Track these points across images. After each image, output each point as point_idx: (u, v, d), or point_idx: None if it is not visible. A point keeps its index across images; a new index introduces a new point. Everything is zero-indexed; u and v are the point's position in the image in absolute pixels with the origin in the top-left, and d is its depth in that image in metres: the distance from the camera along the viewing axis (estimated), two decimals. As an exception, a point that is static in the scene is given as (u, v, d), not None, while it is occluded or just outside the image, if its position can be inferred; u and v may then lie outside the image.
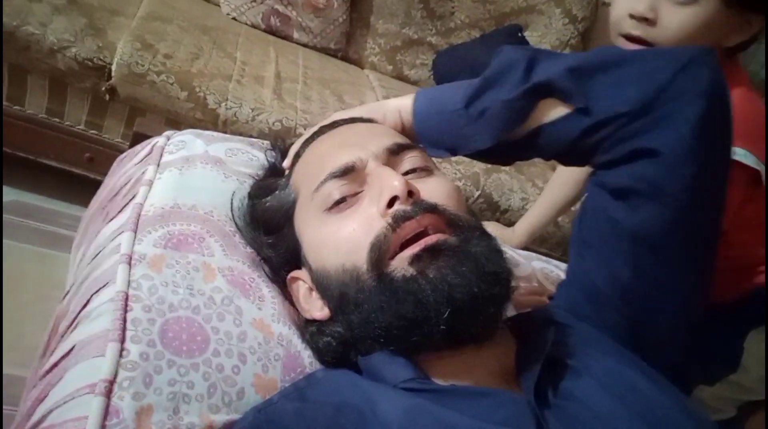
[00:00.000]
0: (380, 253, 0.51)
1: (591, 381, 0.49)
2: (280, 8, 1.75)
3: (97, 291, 0.57)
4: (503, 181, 1.59)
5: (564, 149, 0.58)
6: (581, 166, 0.63)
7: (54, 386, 0.50)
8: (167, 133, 0.80)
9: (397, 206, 0.52)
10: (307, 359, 0.59)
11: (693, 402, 0.51)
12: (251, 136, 1.01)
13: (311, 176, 0.59)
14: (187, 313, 0.55)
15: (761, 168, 0.76)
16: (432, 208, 0.53)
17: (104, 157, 1.32)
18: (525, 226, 1.25)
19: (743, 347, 0.86)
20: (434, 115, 0.63)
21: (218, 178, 0.72)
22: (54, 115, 1.37)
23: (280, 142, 0.73)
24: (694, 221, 0.54)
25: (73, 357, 0.51)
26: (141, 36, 1.36)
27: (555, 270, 0.89)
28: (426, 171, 0.59)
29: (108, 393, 0.47)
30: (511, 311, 0.67)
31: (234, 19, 1.75)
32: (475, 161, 0.75)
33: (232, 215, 0.67)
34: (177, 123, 1.36)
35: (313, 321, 0.59)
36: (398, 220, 0.52)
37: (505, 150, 0.61)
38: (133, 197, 0.67)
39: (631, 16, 0.77)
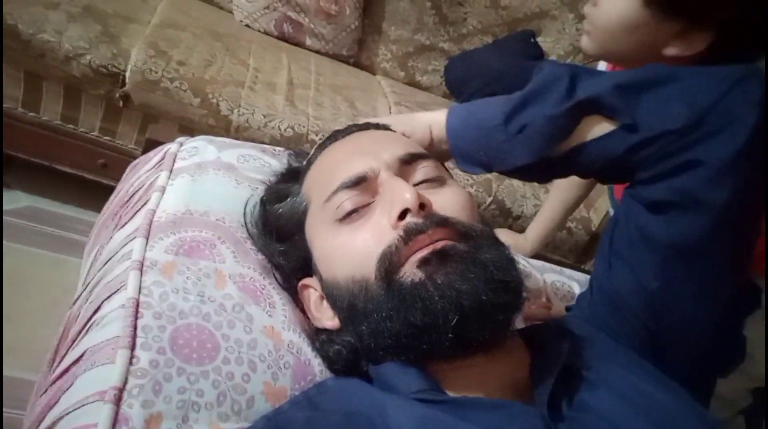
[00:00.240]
0: (390, 264, 0.51)
1: (607, 392, 0.49)
2: (293, 15, 1.76)
3: (108, 297, 0.57)
4: (515, 187, 1.58)
5: (605, 166, 0.57)
6: (620, 183, 0.61)
7: (65, 392, 0.50)
8: (180, 139, 0.81)
9: (408, 219, 0.52)
10: (318, 367, 0.58)
11: (711, 414, 0.50)
12: (263, 143, 1.01)
13: (323, 185, 0.58)
14: (197, 320, 0.55)
15: None
16: (443, 222, 0.52)
17: (117, 163, 1.32)
18: (536, 231, 1.24)
19: (744, 336, 0.86)
20: (470, 130, 0.62)
21: (230, 185, 0.72)
22: (68, 121, 1.38)
23: (301, 154, 0.73)
24: (730, 232, 0.53)
25: (84, 363, 0.51)
26: (155, 43, 1.37)
27: (567, 282, 0.88)
28: (439, 181, 0.58)
29: (118, 400, 0.47)
30: (519, 324, 0.66)
31: (247, 26, 1.76)
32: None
33: (245, 222, 0.67)
34: (190, 129, 1.37)
35: (324, 329, 0.58)
36: (410, 234, 0.51)
37: (543, 167, 0.59)
38: (146, 203, 0.67)
39: None
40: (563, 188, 1.17)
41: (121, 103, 1.35)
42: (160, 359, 0.50)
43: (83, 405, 0.47)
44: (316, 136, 1.40)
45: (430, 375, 0.51)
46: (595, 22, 0.79)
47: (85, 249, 0.81)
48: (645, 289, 0.55)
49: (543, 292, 0.85)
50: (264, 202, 0.67)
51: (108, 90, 1.34)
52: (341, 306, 0.55)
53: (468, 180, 1.52)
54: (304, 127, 1.41)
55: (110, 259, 0.63)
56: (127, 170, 0.86)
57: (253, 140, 1.23)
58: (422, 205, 0.52)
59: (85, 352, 0.52)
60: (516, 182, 1.59)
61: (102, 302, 0.57)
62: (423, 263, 0.50)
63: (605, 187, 1.27)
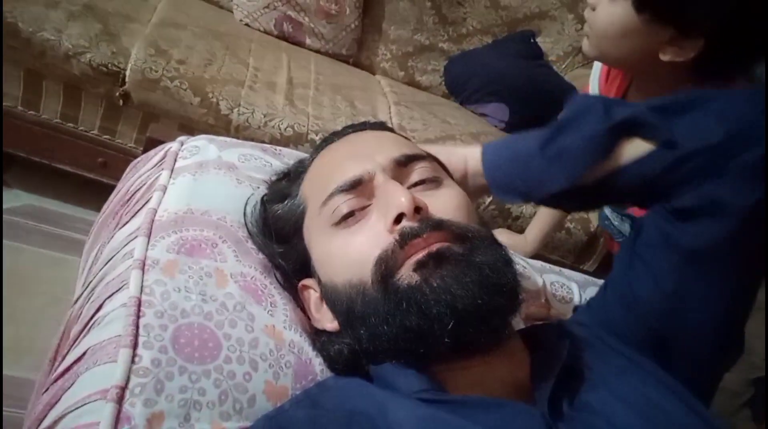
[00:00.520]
0: (386, 268, 0.51)
1: (608, 393, 0.49)
2: (293, 14, 1.76)
3: (109, 296, 0.57)
4: (515, 187, 1.58)
5: (642, 188, 0.57)
6: (650, 206, 0.61)
7: (66, 391, 0.50)
8: (181, 138, 0.81)
9: (404, 223, 0.52)
10: (318, 367, 0.58)
11: (715, 420, 0.51)
12: (263, 142, 1.01)
13: (319, 188, 0.58)
14: (199, 320, 0.55)
15: None
16: (439, 225, 0.52)
17: (117, 162, 1.32)
18: (535, 231, 1.24)
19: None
20: (506, 161, 0.63)
21: (231, 184, 0.72)
22: (68, 120, 1.38)
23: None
24: (751, 236, 0.54)
25: (86, 362, 0.51)
26: (155, 42, 1.37)
27: (566, 282, 0.88)
28: (435, 182, 0.58)
29: (120, 399, 0.47)
30: (518, 324, 0.66)
31: (247, 25, 1.76)
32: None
33: (245, 221, 0.67)
34: (190, 128, 1.37)
35: (324, 331, 0.58)
36: (405, 238, 0.51)
37: (580, 193, 0.59)
38: (147, 202, 0.68)
39: None
40: None
41: (121, 102, 1.35)
42: (162, 358, 0.50)
43: (85, 403, 0.47)
44: (316, 135, 1.40)
45: (430, 375, 0.51)
46: (593, 26, 0.82)
47: (85, 248, 0.81)
48: (662, 290, 0.56)
49: (542, 292, 0.85)
50: (264, 202, 0.67)
51: (108, 89, 1.33)
52: (340, 309, 0.56)
53: (467, 180, 1.52)
54: (303, 126, 1.41)
55: (111, 258, 0.63)
56: (128, 169, 0.86)
57: (253, 139, 1.23)
58: (418, 209, 0.52)
59: (86, 350, 0.52)
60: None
61: (104, 301, 0.57)
62: (419, 266, 0.50)
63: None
